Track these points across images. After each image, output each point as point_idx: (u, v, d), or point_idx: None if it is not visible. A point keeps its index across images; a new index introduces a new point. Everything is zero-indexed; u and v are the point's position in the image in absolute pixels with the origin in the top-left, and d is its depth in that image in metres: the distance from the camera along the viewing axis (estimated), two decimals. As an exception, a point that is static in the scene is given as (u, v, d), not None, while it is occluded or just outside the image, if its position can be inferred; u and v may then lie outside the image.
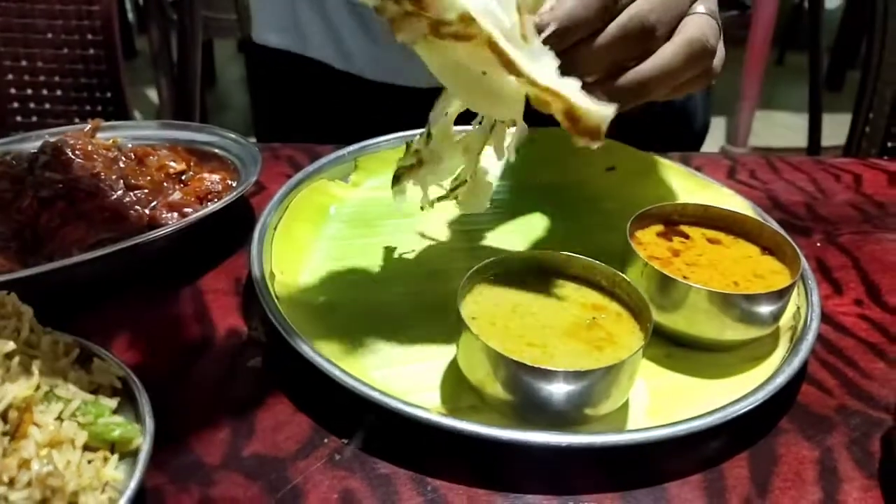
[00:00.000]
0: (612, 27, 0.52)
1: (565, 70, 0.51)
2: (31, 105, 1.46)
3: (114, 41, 1.42)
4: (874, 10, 1.39)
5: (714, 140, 2.90)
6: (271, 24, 1.00)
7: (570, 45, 0.52)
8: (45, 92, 1.46)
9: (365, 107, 0.95)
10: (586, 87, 0.53)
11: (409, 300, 0.60)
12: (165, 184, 0.66)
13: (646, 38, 0.53)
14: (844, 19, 3.40)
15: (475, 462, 0.47)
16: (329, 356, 0.50)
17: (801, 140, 1.90)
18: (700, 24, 0.56)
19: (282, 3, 0.97)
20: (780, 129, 3.14)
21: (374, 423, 0.49)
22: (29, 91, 1.46)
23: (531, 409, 0.47)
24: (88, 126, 0.71)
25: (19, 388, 0.40)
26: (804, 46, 1.71)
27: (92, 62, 1.44)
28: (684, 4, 0.56)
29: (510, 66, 0.48)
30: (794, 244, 0.58)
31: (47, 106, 1.47)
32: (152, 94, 2.83)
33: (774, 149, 2.89)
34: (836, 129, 1.89)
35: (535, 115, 0.63)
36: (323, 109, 1.01)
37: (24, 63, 1.43)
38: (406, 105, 0.67)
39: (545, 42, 0.50)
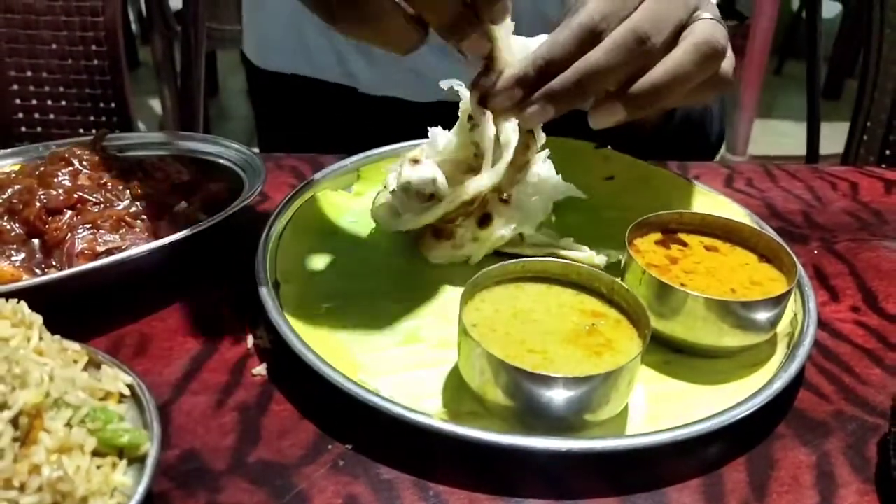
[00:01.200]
0: (607, 40, 0.54)
1: (576, 97, 0.54)
2: (36, 115, 1.47)
3: (118, 52, 1.43)
4: (871, 19, 1.40)
5: (713, 149, 2.91)
6: (273, 44, 1.01)
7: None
8: (49, 102, 1.47)
9: (366, 120, 0.96)
10: (603, 101, 0.55)
11: (411, 308, 0.61)
12: (171, 194, 0.67)
13: (641, 46, 0.54)
14: (842, 29, 3.42)
15: (477, 467, 0.47)
16: (333, 363, 0.51)
17: (799, 148, 1.91)
18: (707, 27, 0.57)
19: (285, 23, 0.98)
20: (779, 137, 3.16)
21: (377, 430, 0.49)
22: (34, 101, 1.47)
23: (532, 415, 0.48)
24: (94, 136, 0.72)
25: (29, 395, 0.41)
26: (802, 56, 1.73)
27: (96, 73, 1.45)
28: (681, 12, 0.57)
29: None
30: (790, 252, 0.58)
31: (52, 116, 1.48)
32: (155, 105, 2.85)
33: (773, 157, 2.91)
34: (834, 137, 1.90)
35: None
36: (324, 123, 1.02)
37: (28, 74, 1.44)
38: (407, 119, 0.68)
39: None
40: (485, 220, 0.64)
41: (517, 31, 0.58)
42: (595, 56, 0.54)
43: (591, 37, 0.54)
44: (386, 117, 0.92)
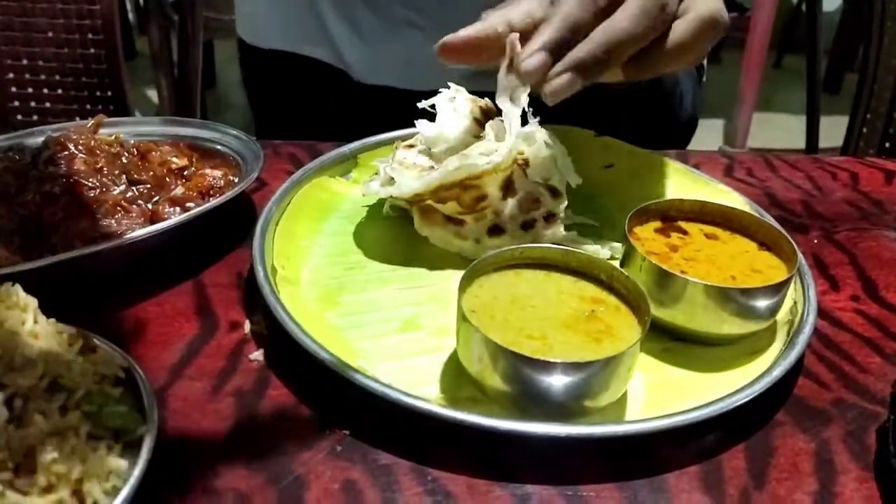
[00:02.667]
0: (630, 5, 0.53)
1: (604, 66, 0.54)
2: (32, 104, 1.47)
3: (115, 40, 1.43)
4: (872, 12, 1.40)
5: (712, 142, 2.91)
6: (266, 23, 1.00)
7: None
8: (45, 91, 1.46)
9: (360, 108, 0.96)
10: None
11: (409, 294, 0.61)
12: (167, 179, 0.67)
13: (662, 12, 0.54)
14: (843, 22, 3.41)
15: (475, 452, 0.47)
16: (330, 349, 0.51)
17: (798, 142, 1.91)
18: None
19: (280, 4, 0.98)
20: (778, 131, 3.15)
21: (375, 415, 0.49)
22: (30, 90, 1.46)
23: (530, 401, 0.48)
24: (91, 122, 0.72)
25: (24, 378, 0.41)
26: (802, 49, 1.72)
27: (93, 61, 1.44)
28: None
29: None
30: (791, 240, 0.58)
31: (48, 105, 1.47)
32: (152, 95, 2.84)
33: (772, 150, 2.90)
34: (833, 131, 1.90)
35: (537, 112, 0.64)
36: (318, 110, 1.02)
37: (25, 62, 1.44)
38: (401, 107, 0.68)
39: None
40: (495, 231, 0.64)
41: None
42: (621, 24, 0.53)
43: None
44: (380, 105, 0.91)
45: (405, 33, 0.92)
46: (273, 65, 1.03)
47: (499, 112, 0.63)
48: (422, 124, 0.67)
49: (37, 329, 0.45)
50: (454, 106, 0.67)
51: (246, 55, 1.07)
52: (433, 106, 0.67)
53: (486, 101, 0.69)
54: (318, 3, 0.94)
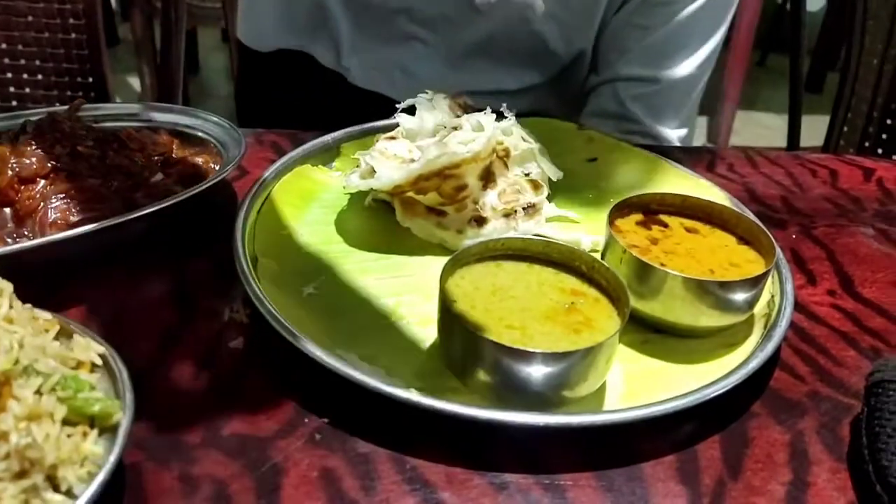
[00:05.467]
0: None
1: None
2: (11, 89, 1.44)
3: (97, 26, 1.40)
4: (853, 12, 1.41)
5: (695, 139, 2.92)
6: (270, 20, 1.00)
7: None
8: (25, 76, 1.44)
9: (352, 112, 0.96)
10: None
11: (390, 284, 0.61)
12: (148, 165, 0.66)
13: None
14: (826, 22, 3.44)
15: (454, 441, 0.47)
16: (310, 337, 0.51)
17: (781, 140, 1.92)
18: None
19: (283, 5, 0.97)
20: (761, 129, 3.18)
21: (354, 404, 0.49)
22: (9, 74, 1.43)
23: (510, 391, 0.48)
24: (70, 106, 0.71)
25: (-2, 362, 0.40)
26: (787, 48, 1.73)
27: (74, 47, 1.42)
28: None
29: None
30: (769, 234, 0.59)
31: (27, 90, 1.45)
32: (135, 82, 2.80)
33: (755, 148, 2.92)
34: (815, 130, 1.91)
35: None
36: (310, 109, 1.01)
37: (3, 46, 1.41)
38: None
39: None
40: (476, 222, 0.64)
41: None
42: None
43: None
44: (373, 112, 0.92)
45: (407, 45, 0.92)
46: (272, 69, 1.02)
47: (477, 109, 0.63)
48: (402, 117, 0.67)
49: (12, 314, 0.44)
50: (433, 103, 0.68)
51: (245, 60, 1.07)
52: (412, 110, 0.68)
53: (463, 98, 0.69)
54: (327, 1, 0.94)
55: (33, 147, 0.63)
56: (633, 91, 0.92)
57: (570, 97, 0.99)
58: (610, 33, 0.93)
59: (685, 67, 0.92)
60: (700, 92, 0.97)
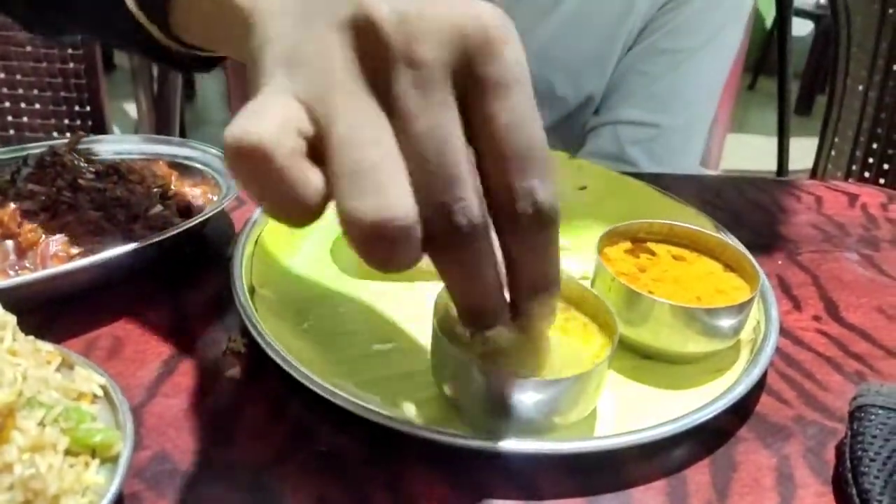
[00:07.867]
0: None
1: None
2: (9, 118, 1.46)
3: (94, 55, 1.43)
4: (838, 37, 1.45)
5: (687, 161, 2.95)
6: None
7: None
8: (23, 105, 1.46)
9: None
10: None
11: (388, 311, 0.62)
12: (146, 197, 0.67)
13: None
14: (814, 46, 3.50)
15: (448, 470, 0.48)
16: (308, 367, 0.52)
17: (771, 163, 1.95)
18: None
19: None
20: (751, 151, 3.22)
21: (350, 433, 0.50)
22: (7, 104, 1.45)
23: (501, 417, 0.49)
24: (70, 139, 0.72)
25: (2, 394, 0.41)
26: (775, 72, 1.77)
27: (71, 76, 1.44)
28: None
29: None
30: (753, 261, 0.60)
31: (25, 119, 1.46)
32: (131, 109, 2.83)
33: (745, 171, 2.96)
34: (805, 152, 1.94)
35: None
36: None
37: (2, 76, 1.43)
38: None
39: None
40: None
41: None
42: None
43: None
44: None
45: None
46: None
47: None
48: None
49: (15, 346, 0.45)
50: None
51: (241, 87, 1.08)
52: None
53: None
54: None
55: (35, 181, 0.64)
56: (634, 135, 0.94)
57: (573, 139, 1.00)
58: (613, 77, 0.95)
59: (687, 114, 0.94)
60: (703, 137, 0.98)
